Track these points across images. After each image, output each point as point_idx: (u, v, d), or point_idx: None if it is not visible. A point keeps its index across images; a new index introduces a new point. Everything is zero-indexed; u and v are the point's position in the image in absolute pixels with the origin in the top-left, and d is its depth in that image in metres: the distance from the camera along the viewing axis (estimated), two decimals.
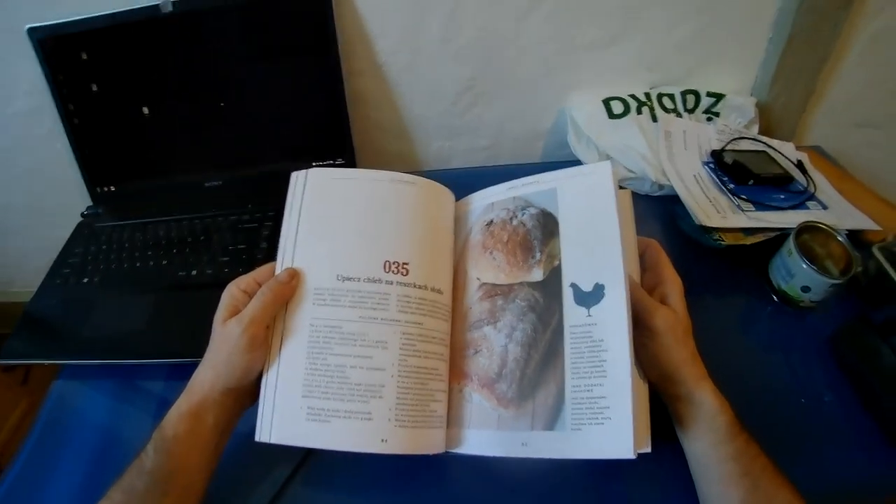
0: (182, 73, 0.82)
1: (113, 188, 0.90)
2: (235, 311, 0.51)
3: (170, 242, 0.80)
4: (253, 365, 0.51)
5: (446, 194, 0.62)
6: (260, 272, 0.55)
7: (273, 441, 0.49)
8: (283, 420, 0.50)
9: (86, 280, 0.78)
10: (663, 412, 0.54)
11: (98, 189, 0.90)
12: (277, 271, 0.54)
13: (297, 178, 0.58)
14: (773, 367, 0.68)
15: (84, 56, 0.80)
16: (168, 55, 0.81)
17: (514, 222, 0.59)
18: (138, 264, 0.78)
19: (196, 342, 0.62)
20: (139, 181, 0.90)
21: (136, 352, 0.69)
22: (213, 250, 0.78)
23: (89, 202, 0.92)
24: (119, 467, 0.48)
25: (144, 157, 0.90)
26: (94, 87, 0.82)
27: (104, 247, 0.82)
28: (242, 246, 0.78)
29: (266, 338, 0.52)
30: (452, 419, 0.54)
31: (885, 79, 1.01)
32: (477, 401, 0.54)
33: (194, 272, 0.76)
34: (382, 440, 0.50)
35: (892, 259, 0.67)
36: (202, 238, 0.80)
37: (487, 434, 0.53)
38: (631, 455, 0.45)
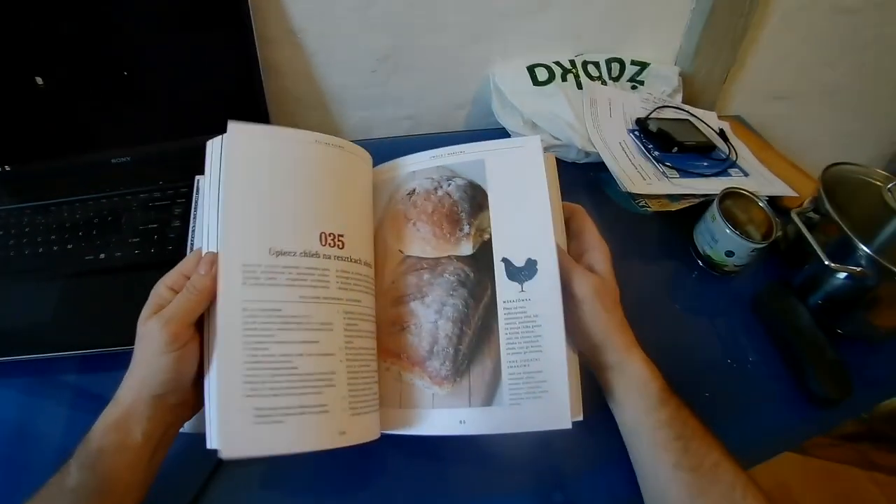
0: (79, 39, 0.75)
1: (7, 167, 0.82)
2: (160, 311, 0.45)
3: (75, 225, 0.74)
4: (180, 367, 0.44)
5: (367, 159, 0.58)
6: (186, 264, 0.48)
7: (224, 456, 0.43)
8: (229, 428, 0.43)
9: None
10: (593, 380, 0.54)
11: None
12: (203, 256, 0.47)
13: (213, 146, 0.50)
14: (699, 330, 0.69)
15: None
16: (63, 18, 0.73)
17: (440, 192, 0.56)
18: (41, 250, 0.71)
19: (109, 331, 0.58)
20: (37, 160, 0.82)
21: (43, 345, 0.63)
22: (122, 231, 0.73)
23: None
24: (29, 475, 0.43)
25: (41, 133, 0.82)
26: None
27: (1, 232, 0.74)
28: (154, 225, 0.73)
29: (193, 337, 0.45)
30: (383, 400, 0.52)
31: (798, 53, 1.05)
32: (408, 380, 0.52)
33: (103, 255, 0.70)
34: (341, 433, 0.46)
35: (808, 223, 0.69)
36: (110, 219, 0.74)
37: (423, 413, 0.51)
38: (568, 425, 0.46)
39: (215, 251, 0.46)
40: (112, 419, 0.44)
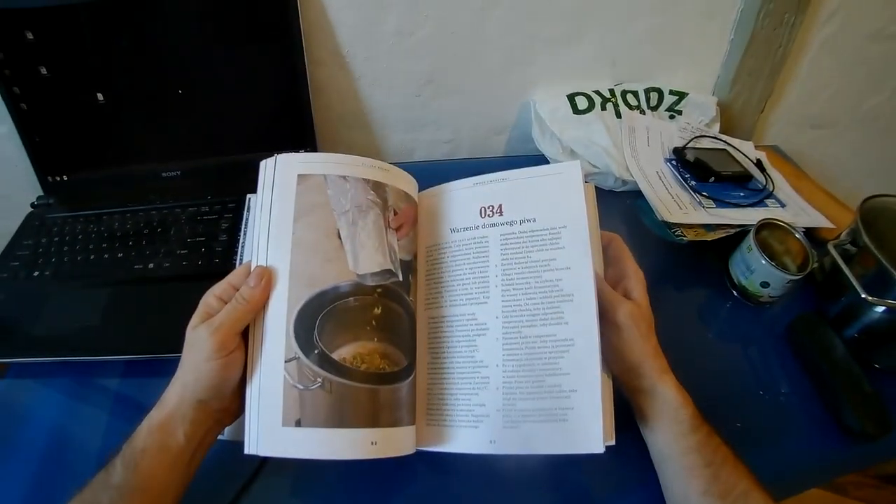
0: (138, 58, 0.79)
1: (65, 177, 0.86)
2: (208, 318, 0.48)
3: (126, 234, 0.77)
4: (225, 374, 0.47)
5: (413, 184, 0.60)
6: (235, 276, 0.51)
7: (261, 453, 0.46)
8: (267, 429, 0.46)
9: (36, 273, 0.74)
10: (625, 405, 0.54)
11: (49, 178, 0.86)
12: (252, 270, 0.51)
13: (266, 166, 0.54)
14: (732, 360, 0.69)
15: (29, 36, 0.76)
16: (123, 38, 0.77)
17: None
18: (92, 257, 0.75)
19: (154, 338, 0.60)
20: (93, 170, 0.86)
21: (91, 348, 0.65)
22: (170, 243, 0.75)
23: (40, 192, 0.87)
24: (73, 471, 0.46)
25: (99, 146, 0.86)
26: (44, 70, 0.78)
27: (56, 239, 0.78)
28: (201, 238, 0.75)
29: (239, 346, 0.48)
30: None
31: (835, 82, 1.05)
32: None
33: (151, 265, 0.73)
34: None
35: (845, 255, 0.69)
36: (159, 230, 0.77)
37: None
38: (600, 449, 0.47)
39: (264, 265, 0.50)
40: (156, 421, 0.46)
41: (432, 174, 0.63)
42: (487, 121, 0.99)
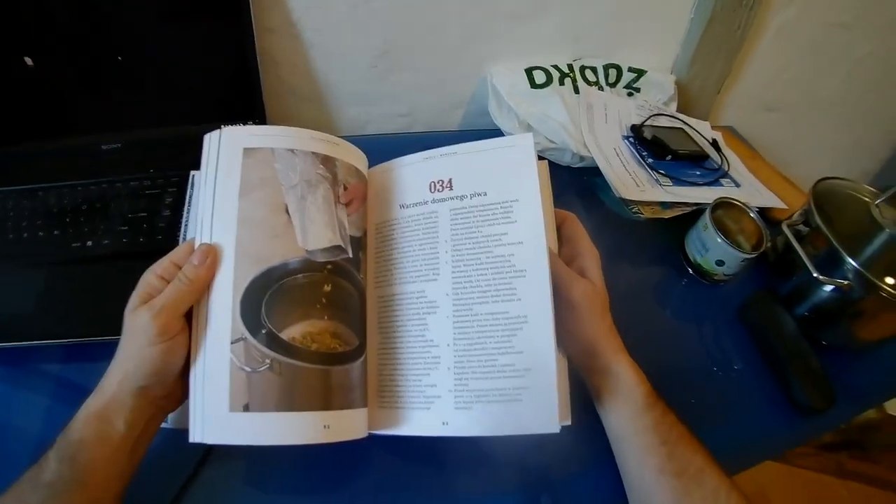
0: (73, 21, 0.73)
1: None
2: (149, 300, 0.45)
3: (62, 211, 0.72)
4: (168, 359, 0.44)
5: (363, 159, 0.58)
6: (177, 253, 0.48)
7: (207, 441, 0.43)
8: (213, 416, 0.44)
9: None
10: (582, 386, 0.54)
11: None
12: (196, 247, 0.48)
13: (211, 140, 0.51)
14: (687, 337, 0.70)
15: None
16: None
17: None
18: (26, 235, 0.70)
19: (95, 320, 0.57)
20: (26, 143, 0.81)
21: (26, 333, 0.61)
22: (111, 219, 0.71)
23: None
24: (11, 464, 0.42)
25: (31, 116, 0.80)
26: None
27: None
28: (143, 214, 0.72)
29: (183, 328, 0.45)
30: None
31: (792, 66, 1.06)
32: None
33: (90, 243, 0.69)
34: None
35: (798, 235, 0.70)
36: (99, 206, 0.73)
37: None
38: (556, 429, 0.46)
39: (209, 242, 0.47)
40: (94, 409, 0.43)
41: (386, 148, 0.61)
42: (444, 95, 0.97)
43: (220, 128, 0.51)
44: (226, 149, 0.50)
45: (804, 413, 0.62)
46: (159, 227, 0.70)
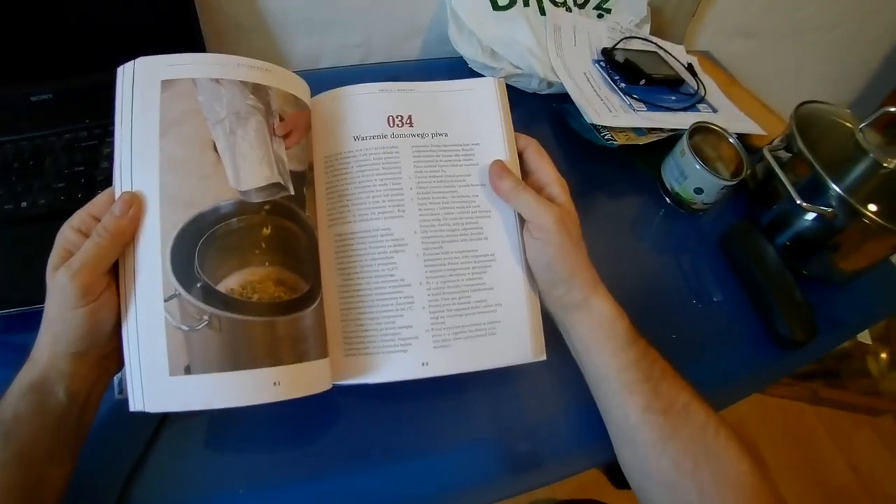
0: None
1: None
2: (69, 257, 0.41)
3: None
4: (96, 319, 0.40)
5: (302, 86, 0.52)
6: (95, 204, 0.43)
7: (148, 410, 0.40)
8: (151, 382, 0.40)
9: None
10: (552, 329, 0.51)
11: None
12: (116, 197, 0.43)
13: (124, 73, 0.45)
14: (665, 269, 0.68)
15: None
16: None
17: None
18: None
19: (32, 287, 0.51)
20: None
21: None
22: (45, 176, 0.66)
23: None
24: None
25: None
26: None
27: None
28: (80, 168, 0.66)
29: (109, 285, 0.41)
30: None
31: None
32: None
33: (24, 203, 0.64)
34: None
35: (779, 161, 0.67)
36: (31, 162, 0.67)
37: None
38: (530, 359, 0.48)
39: (130, 190, 0.42)
40: (28, 381, 0.40)
41: (341, 81, 0.55)
42: (401, 21, 0.90)
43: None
44: (141, 82, 0.45)
45: (787, 346, 0.61)
46: (98, 180, 0.65)
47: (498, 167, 0.50)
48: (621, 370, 0.46)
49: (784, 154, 0.68)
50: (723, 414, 0.47)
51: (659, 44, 0.88)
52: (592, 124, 0.71)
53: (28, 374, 0.40)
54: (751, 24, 1.07)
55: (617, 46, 0.84)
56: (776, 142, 0.71)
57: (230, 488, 0.49)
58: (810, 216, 0.63)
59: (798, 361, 0.63)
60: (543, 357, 0.49)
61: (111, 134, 0.65)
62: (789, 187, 0.63)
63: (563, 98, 0.76)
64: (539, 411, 0.55)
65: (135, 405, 0.40)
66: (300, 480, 0.50)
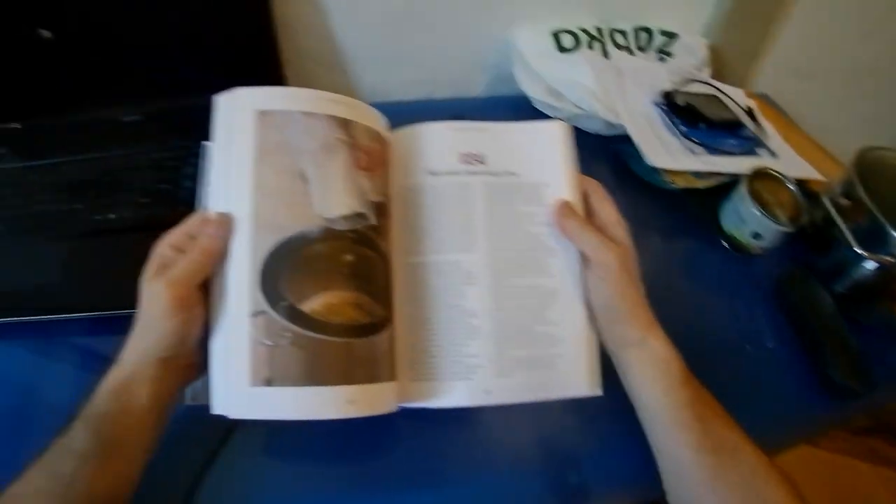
0: None
1: (17, 125, 0.79)
2: (164, 271, 0.44)
3: (84, 184, 0.71)
4: (186, 329, 0.43)
5: (383, 121, 0.56)
6: (191, 223, 0.46)
7: (229, 415, 0.43)
8: (232, 391, 0.44)
9: None
10: (608, 363, 0.53)
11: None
12: (210, 218, 0.46)
13: (222, 103, 0.49)
14: (719, 312, 0.68)
15: None
16: None
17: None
18: (50, 209, 0.69)
19: (117, 293, 0.55)
20: (47, 116, 0.79)
21: (51, 307, 0.61)
22: (132, 191, 0.70)
23: None
24: (38, 435, 0.42)
25: (52, 89, 0.79)
26: None
27: (9, 190, 0.72)
28: (165, 185, 0.71)
29: (199, 299, 0.44)
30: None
31: (831, 29, 1.02)
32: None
33: (112, 216, 0.68)
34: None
35: (838, 208, 0.68)
36: (121, 178, 0.72)
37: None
38: (586, 392, 0.50)
39: (224, 212, 0.45)
40: (117, 382, 0.43)
41: (409, 115, 0.58)
42: (466, 59, 0.94)
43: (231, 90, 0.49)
44: (239, 112, 0.48)
45: (840, 395, 0.60)
46: (181, 198, 0.69)
47: (563, 207, 0.52)
48: (673, 408, 0.47)
49: (843, 200, 0.68)
50: None
51: (719, 87, 0.89)
52: (652, 166, 0.73)
53: (116, 375, 0.43)
54: (810, 66, 1.07)
55: (677, 90, 0.85)
56: (835, 188, 0.71)
57: (287, 498, 0.52)
58: (869, 264, 0.63)
59: (853, 412, 0.62)
60: (599, 392, 0.50)
61: (194, 154, 0.71)
62: (848, 234, 0.64)
63: (624, 139, 0.78)
64: (589, 445, 0.56)
65: (216, 409, 0.43)
66: (352, 496, 0.52)
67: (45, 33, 0.72)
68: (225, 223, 0.45)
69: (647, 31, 0.91)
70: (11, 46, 0.73)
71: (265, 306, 0.44)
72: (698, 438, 0.46)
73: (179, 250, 0.45)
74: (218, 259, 0.45)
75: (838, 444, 1.42)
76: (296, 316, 0.45)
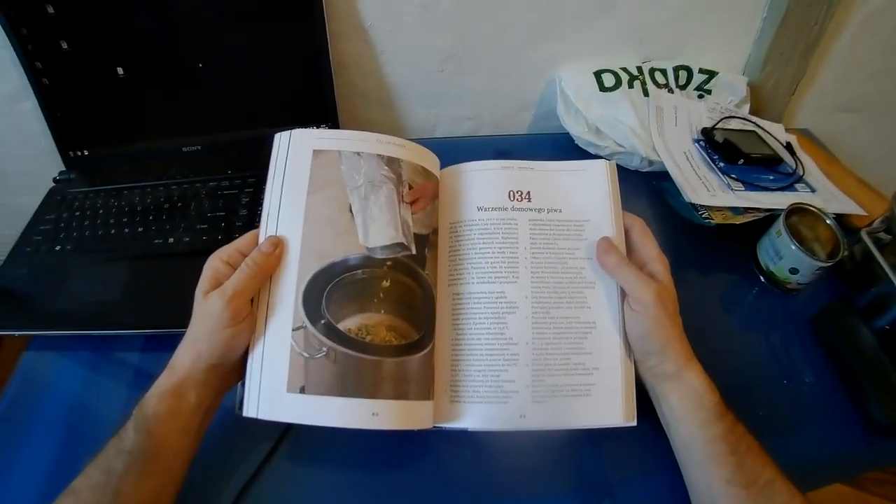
0: (159, 32, 0.78)
1: (86, 152, 0.86)
2: (217, 284, 0.49)
3: (146, 209, 0.77)
4: (237, 340, 0.48)
5: (433, 159, 0.60)
6: (243, 241, 0.52)
7: (261, 417, 0.47)
8: (273, 395, 0.48)
9: (58, 248, 0.74)
10: (646, 395, 0.54)
11: (70, 153, 0.86)
12: (261, 240, 0.51)
13: (280, 140, 0.55)
14: (756, 347, 0.68)
15: (50, 10, 0.75)
16: (143, 12, 0.77)
17: None
18: (113, 231, 0.75)
19: (173, 313, 0.60)
20: (114, 145, 0.86)
21: (111, 322, 0.66)
22: (190, 217, 0.75)
23: (61, 167, 0.87)
24: (93, 442, 0.46)
25: (120, 120, 0.85)
26: (65, 45, 0.77)
27: (77, 213, 0.78)
28: (221, 213, 0.75)
29: (250, 311, 0.49)
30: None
31: (870, 63, 1.01)
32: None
33: (171, 240, 0.73)
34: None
35: (878, 243, 0.68)
36: (180, 205, 0.77)
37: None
38: (619, 422, 0.52)
39: (276, 234, 0.51)
40: (168, 387, 0.47)
41: (455, 151, 0.63)
42: (511, 97, 0.97)
43: (290, 129, 0.55)
44: (296, 149, 0.54)
45: (882, 433, 0.60)
46: (236, 225, 0.74)
47: (605, 244, 0.55)
48: (708, 442, 0.48)
49: (884, 236, 0.68)
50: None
51: (758, 123, 0.90)
52: (690, 203, 0.74)
53: (167, 380, 0.47)
54: (850, 100, 1.06)
55: (716, 126, 0.87)
56: (876, 223, 0.71)
57: None
58: None
59: (894, 452, 0.61)
60: (634, 423, 0.52)
61: (249, 185, 0.77)
62: (888, 270, 0.63)
63: (663, 176, 0.80)
64: (623, 474, 0.57)
65: (248, 411, 0.47)
66: None
67: (120, 71, 0.80)
68: (277, 243, 0.50)
69: (687, 69, 0.93)
70: (91, 83, 0.81)
71: (306, 322, 0.49)
72: (731, 472, 0.47)
73: (231, 266, 0.50)
74: (268, 275, 0.50)
75: (886, 488, 1.35)
76: (332, 333, 0.49)
